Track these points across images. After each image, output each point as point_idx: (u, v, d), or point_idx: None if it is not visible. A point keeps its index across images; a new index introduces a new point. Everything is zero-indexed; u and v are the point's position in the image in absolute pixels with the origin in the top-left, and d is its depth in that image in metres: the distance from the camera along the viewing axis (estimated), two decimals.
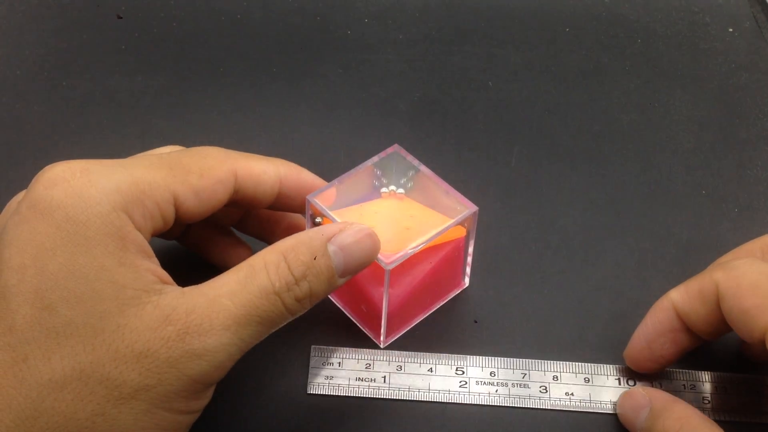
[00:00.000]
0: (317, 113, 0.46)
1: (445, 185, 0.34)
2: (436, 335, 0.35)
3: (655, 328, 0.32)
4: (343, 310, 0.36)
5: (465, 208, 0.33)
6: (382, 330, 0.34)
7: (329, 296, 0.35)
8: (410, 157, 0.35)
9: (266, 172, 0.31)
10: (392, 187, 0.34)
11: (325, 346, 0.34)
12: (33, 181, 0.27)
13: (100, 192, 0.26)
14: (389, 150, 0.35)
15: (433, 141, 0.45)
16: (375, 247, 0.29)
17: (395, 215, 0.34)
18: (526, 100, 0.47)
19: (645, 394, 0.31)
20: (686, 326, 0.31)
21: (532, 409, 0.33)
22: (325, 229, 0.28)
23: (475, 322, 0.36)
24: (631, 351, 0.33)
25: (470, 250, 0.35)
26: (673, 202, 0.42)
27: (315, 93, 0.47)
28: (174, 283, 0.27)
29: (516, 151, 0.44)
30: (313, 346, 0.34)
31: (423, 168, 0.35)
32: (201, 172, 0.29)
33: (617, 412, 0.32)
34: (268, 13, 0.52)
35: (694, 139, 0.45)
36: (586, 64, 0.50)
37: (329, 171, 0.39)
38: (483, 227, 0.40)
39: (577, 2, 0.54)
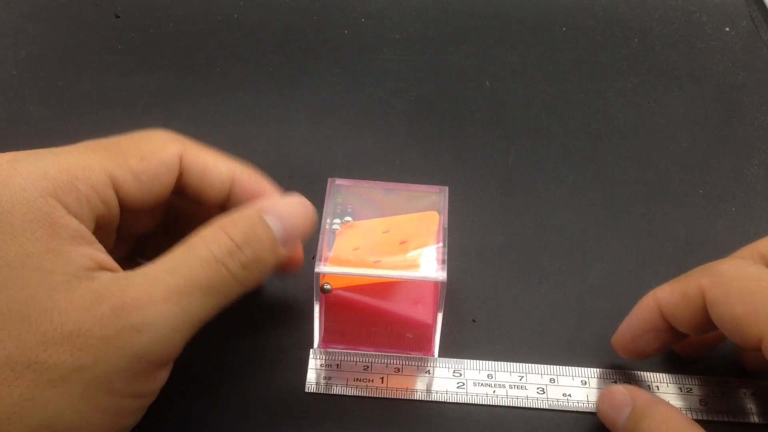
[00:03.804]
0: (314, 113, 0.46)
1: (394, 185, 0.34)
2: None
3: (640, 325, 0.31)
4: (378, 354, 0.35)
5: (439, 192, 0.34)
6: (437, 342, 0.34)
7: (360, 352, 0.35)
8: (340, 181, 0.34)
9: (217, 166, 0.30)
10: (337, 220, 0.34)
11: (324, 349, 0.34)
12: None
13: (26, 179, 0.25)
14: (330, 192, 0.34)
15: (430, 140, 0.45)
16: (310, 213, 0.30)
17: (374, 241, 0.33)
18: (523, 99, 0.47)
19: (626, 392, 0.30)
20: (671, 325, 0.31)
21: (530, 409, 0.33)
22: (258, 203, 0.29)
23: (474, 321, 0.36)
24: (617, 342, 0.33)
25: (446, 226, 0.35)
26: (670, 202, 0.42)
27: (312, 93, 0.47)
28: (118, 267, 0.26)
29: (513, 151, 0.44)
30: (311, 349, 0.34)
31: (361, 183, 0.34)
32: (142, 154, 0.28)
33: (596, 409, 0.32)
34: (264, 12, 0.52)
35: (692, 138, 0.45)
36: (583, 63, 0.50)
37: (327, 171, 0.40)
38: (481, 227, 0.40)
39: (574, 2, 0.54)
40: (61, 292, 0.24)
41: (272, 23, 0.51)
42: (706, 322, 0.29)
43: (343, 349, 0.34)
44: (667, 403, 0.30)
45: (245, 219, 0.28)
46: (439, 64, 0.49)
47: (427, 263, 0.31)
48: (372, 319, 0.34)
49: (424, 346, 0.34)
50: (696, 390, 0.33)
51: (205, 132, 0.44)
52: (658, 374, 0.34)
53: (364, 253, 0.32)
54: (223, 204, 0.31)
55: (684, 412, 0.32)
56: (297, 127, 0.45)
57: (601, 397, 0.32)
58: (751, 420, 0.32)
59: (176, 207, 0.33)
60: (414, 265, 0.31)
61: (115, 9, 0.51)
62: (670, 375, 0.34)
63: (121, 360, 0.24)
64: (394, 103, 0.47)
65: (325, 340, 0.34)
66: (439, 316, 0.32)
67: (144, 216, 0.32)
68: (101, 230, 0.28)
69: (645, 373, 0.34)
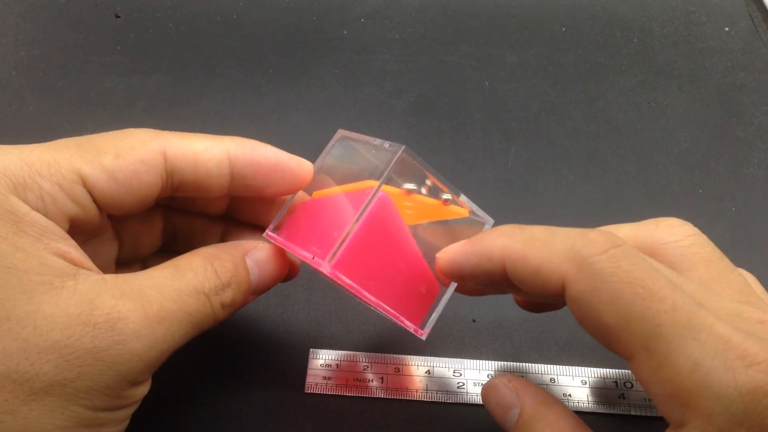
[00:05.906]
0: (314, 113, 0.46)
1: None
2: (435, 335, 0.35)
3: (472, 267, 0.27)
4: (380, 305, 0.29)
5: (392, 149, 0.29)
6: (432, 320, 0.30)
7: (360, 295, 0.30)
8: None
9: (208, 150, 0.28)
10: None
11: (324, 349, 0.34)
12: None
13: None
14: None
15: (429, 141, 0.45)
16: (285, 266, 0.29)
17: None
18: (522, 99, 0.47)
19: (512, 390, 0.27)
20: (510, 281, 0.26)
21: None
22: (242, 244, 0.28)
23: (474, 321, 0.36)
24: (442, 260, 0.28)
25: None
26: (670, 201, 0.42)
27: (311, 93, 0.47)
28: (96, 269, 0.25)
29: (513, 151, 0.44)
30: (311, 350, 0.34)
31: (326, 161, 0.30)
32: (117, 151, 0.26)
33: (483, 402, 0.29)
34: (264, 13, 0.52)
35: (691, 138, 0.45)
36: (583, 63, 0.50)
37: None
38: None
39: (573, 2, 0.54)
40: (42, 294, 0.23)
41: (272, 24, 0.51)
42: (557, 297, 0.25)
43: (351, 283, 0.29)
44: (559, 405, 0.27)
45: (231, 258, 0.27)
46: (438, 65, 0.49)
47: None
48: (398, 259, 0.30)
49: (424, 310, 0.30)
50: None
51: (204, 132, 0.44)
52: None
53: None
54: (230, 187, 0.29)
55: None
56: (296, 128, 0.45)
57: (487, 393, 0.28)
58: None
59: (173, 222, 0.32)
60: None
61: (114, 9, 0.51)
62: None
63: (105, 376, 0.23)
64: (393, 103, 0.47)
65: (340, 263, 0.28)
66: (451, 288, 0.30)
67: (141, 231, 0.31)
68: (93, 239, 0.27)
69: None
